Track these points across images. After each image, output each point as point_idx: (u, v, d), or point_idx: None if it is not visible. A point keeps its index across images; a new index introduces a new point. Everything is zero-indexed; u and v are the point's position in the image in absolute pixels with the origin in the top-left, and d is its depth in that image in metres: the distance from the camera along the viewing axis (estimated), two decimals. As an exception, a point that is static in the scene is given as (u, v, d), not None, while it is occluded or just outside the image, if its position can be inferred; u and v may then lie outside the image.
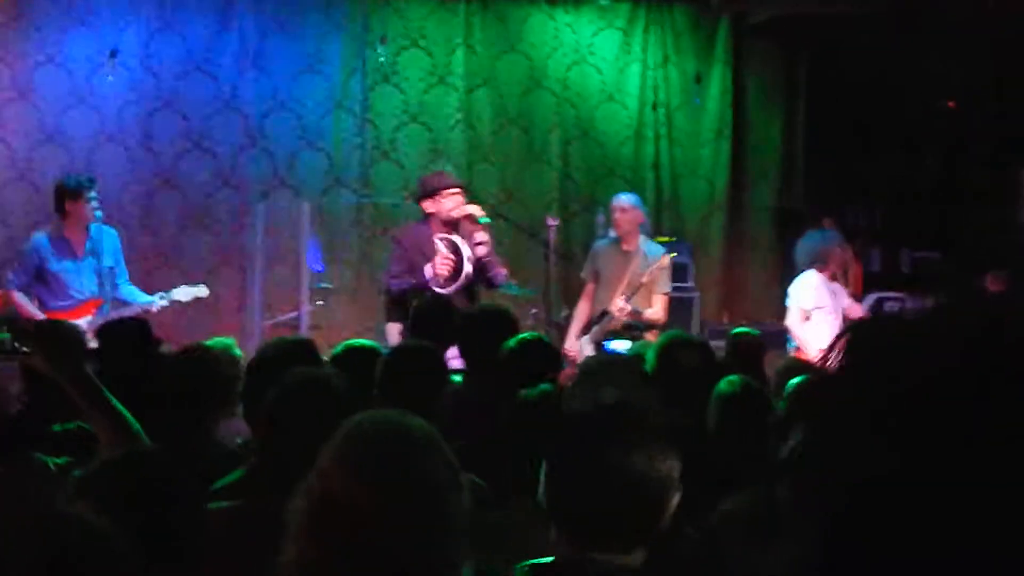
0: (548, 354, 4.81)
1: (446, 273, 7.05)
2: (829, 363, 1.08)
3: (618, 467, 2.30)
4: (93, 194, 7.59)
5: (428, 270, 7.04)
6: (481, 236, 7.16)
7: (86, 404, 3.17)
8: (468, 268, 7.10)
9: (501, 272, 7.37)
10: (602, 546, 2.31)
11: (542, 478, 2.47)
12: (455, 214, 7.22)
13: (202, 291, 7.75)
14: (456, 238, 7.17)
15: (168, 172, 9.34)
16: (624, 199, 8.24)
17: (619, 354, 6.50)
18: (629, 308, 7.81)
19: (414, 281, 7.06)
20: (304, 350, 4.21)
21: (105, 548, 1.92)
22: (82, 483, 2.63)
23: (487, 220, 7.33)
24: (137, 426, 3.14)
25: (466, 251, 7.11)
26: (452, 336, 5.40)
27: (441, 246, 7.12)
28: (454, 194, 7.27)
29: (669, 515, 2.35)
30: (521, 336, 4.89)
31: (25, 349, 3.19)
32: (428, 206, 7.30)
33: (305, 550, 2.03)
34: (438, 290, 6.99)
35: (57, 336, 3.18)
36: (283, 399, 3.10)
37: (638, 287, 7.86)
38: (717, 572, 3.03)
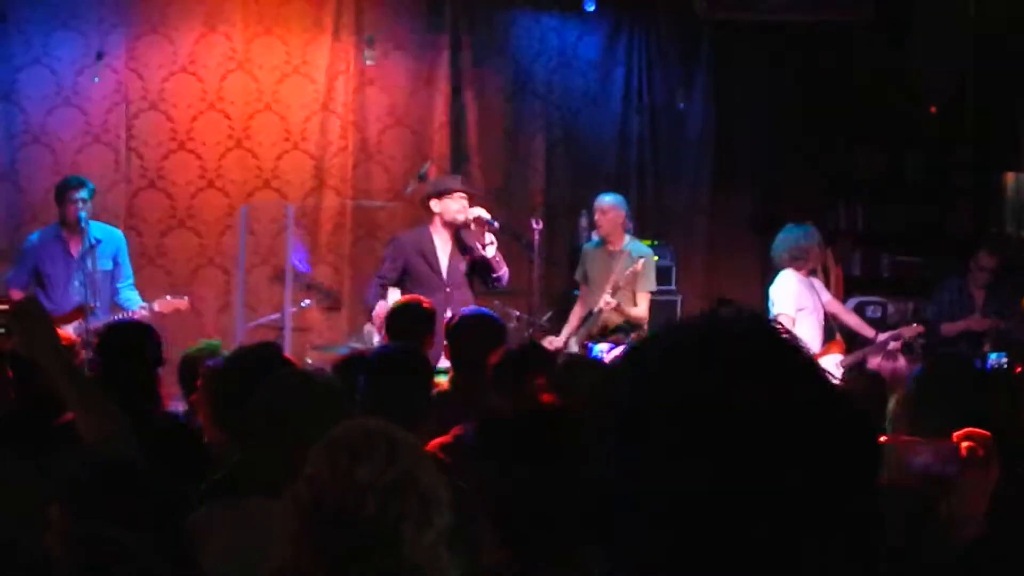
0: (540, 359, 4.83)
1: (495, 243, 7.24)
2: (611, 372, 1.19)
3: (561, 472, 2.28)
4: (79, 195, 7.60)
5: (479, 248, 7.32)
6: (490, 237, 7.35)
7: (63, 383, 3.18)
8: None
9: (507, 272, 7.56)
10: (545, 556, 2.28)
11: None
12: (460, 217, 7.38)
13: (183, 303, 7.77)
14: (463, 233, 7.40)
15: (153, 173, 9.34)
16: (605, 200, 8.33)
17: (598, 359, 6.56)
18: (615, 303, 7.89)
19: (382, 294, 7.22)
20: (273, 354, 4.21)
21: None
22: (59, 490, 2.66)
23: (494, 222, 7.49)
24: (114, 409, 3.15)
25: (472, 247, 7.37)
26: (427, 337, 5.48)
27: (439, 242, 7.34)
28: (460, 198, 7.45)
29: None
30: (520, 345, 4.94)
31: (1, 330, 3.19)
32: (435, 206, 7.49)
33: (296, 555, 2.06)
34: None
35: (27, 313, 3.18)
36: (266, 401, 3.13)
37: (622, 286, 7.94)
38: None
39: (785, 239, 8.11)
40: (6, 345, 3.24)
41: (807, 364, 1.12)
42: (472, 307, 6.55)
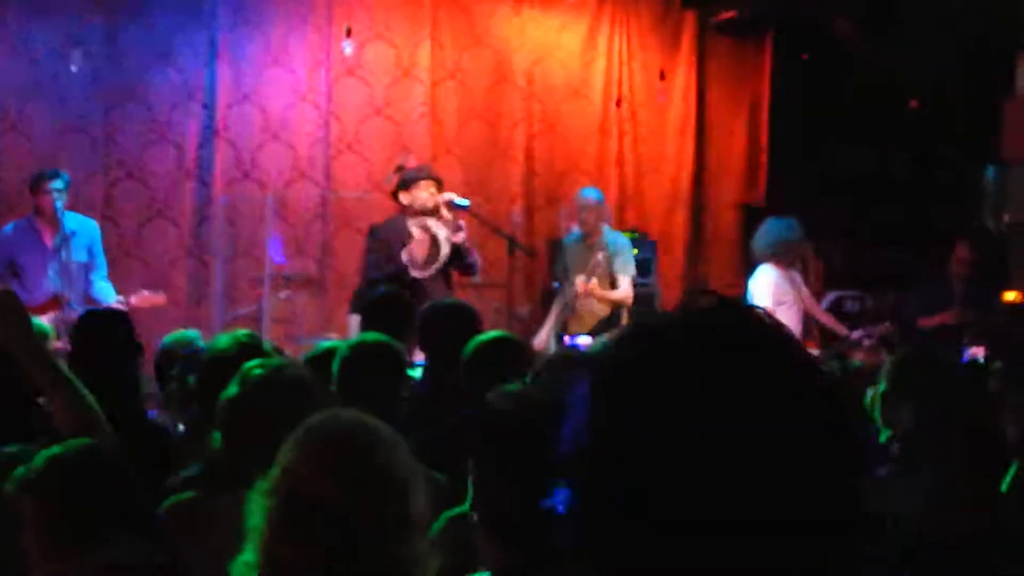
0: (518, 353, 4.79)
1: (424, 254, 7.14)
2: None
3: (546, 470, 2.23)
4: (53, 184, 7.54)
5: (405, 254, 7.13)
6: (461, 223, 7.31)
7: (41, 377, 3.15)
8: (445, 250, 7.22)
9: (478, 259, 7.52)
10: (546, 556, 2.24)
11: (470, 487, 2.44)
12: (429, 203, 7.34)
13: (159, 297, 7.74)
14: (431, 222, 7.29)
15: (131, 164, 9.29)
16: (590, 198, 8.26)
17: (580, 349, 6.54)
18: (590, 284, 7.85)
19: (373, 279, 7.15)
20: (253, 345, 4.19)
21: None
22: (26, 482, 2.64)
23: (466, 204, 7.45)
24: (92, 401, 3.13)
25: (441, 234, 7.24)
26: (407, 329, 5.42)
27: (415, 230, 7.23)
28: (429, 186, 7.41)
29: None
30: (492, 334, 4.88)
31: None
32: (403, 197, 7.47)
33: (273, 547, 2.04)
34: (416, 274, 7.09)
35: (3, 306, 3.15)
36: (243, 393, 3.11)
37: (595, 269, 7.92)
38: None
39: (767, 233, 8.10)
40: None
41: (798, 354, 1.11)
42: (448, 299, 6.49)
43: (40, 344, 3.24)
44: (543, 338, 8.13)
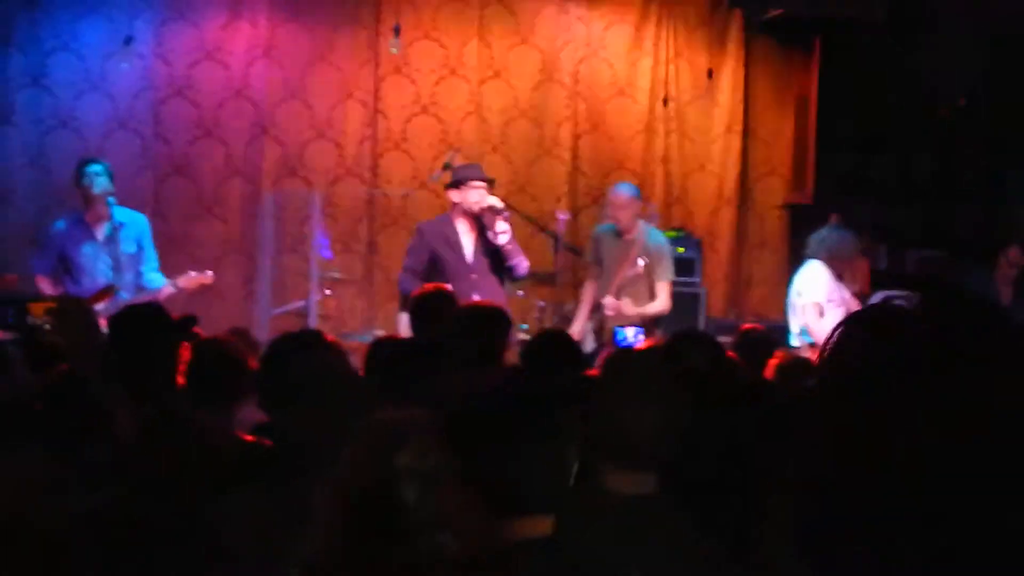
0: (569, 350, 4.77)
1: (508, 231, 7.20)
2: (823, 353, 1.15)
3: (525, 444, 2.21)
4: (90, 168, 7.59)
5: (491, 235, 7.21)
6: (502, 226, 7.30)
7: (100, 381, 3.19)
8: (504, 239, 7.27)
9: (523, 263, 7.48)
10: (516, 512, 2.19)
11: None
12: (476, 207, 7.35)
13: (207, 277, 7.76)
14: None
15: (179, 160, 9.38)
16: (621, 195, 8.13)
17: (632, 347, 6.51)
18: (619, 305, 7.80)
19: (418, 283, 7.15)
20: (316, 341, 4.22)
21: None
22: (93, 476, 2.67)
23: (506, 212, 7.45)
24: (156, 408, 3.17)
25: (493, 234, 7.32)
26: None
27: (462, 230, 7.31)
28: (478, 187, 7.42)
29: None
30: (547, 331, 4.88)
31: (47, 327, 3.21)
32: (453, 195, 7.50)
33: (336, 540, 2.06)
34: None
35: (70, 314, 3.19)
36: (300, 388, 3.14)
37: (633, 278, 7.87)
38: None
39: (827, 238, 8.03)
40: (54, 341, 3.25)
41: None
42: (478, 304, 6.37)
43: (102, 347, 3.27)
44: (577, 331, 8.08)
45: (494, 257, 7.44)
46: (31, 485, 2.86)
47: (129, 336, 4.71)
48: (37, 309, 5.00)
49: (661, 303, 7.96)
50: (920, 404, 1.04)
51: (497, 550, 1.99)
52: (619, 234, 8.08)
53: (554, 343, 4.69)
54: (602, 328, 7.87)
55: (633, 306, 7.85)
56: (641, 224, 8.11)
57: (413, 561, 2.06)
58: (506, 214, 7.42)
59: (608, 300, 7.83)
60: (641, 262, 7.74)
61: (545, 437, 2.10)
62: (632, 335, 6.88)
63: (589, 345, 7.77)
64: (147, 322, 4.83)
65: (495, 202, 7.43)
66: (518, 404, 2.12)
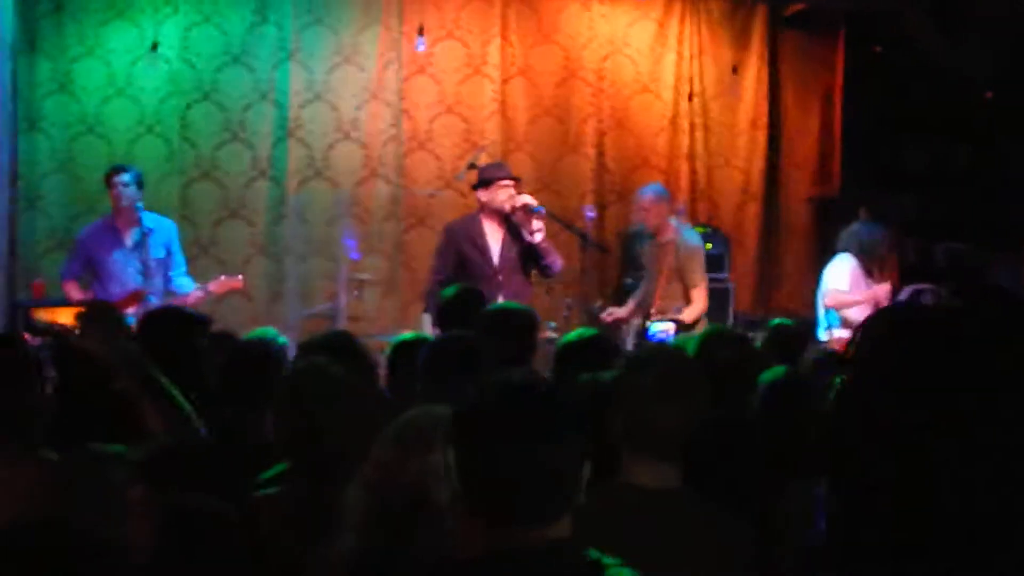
0: (602, 350, 4.75)
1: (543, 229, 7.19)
2: (848, 349, 1.15)
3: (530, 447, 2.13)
4: (119, 178, 7.65)
5: (526, 235, 7.29)
6: (537, 224, 7.31)
7: (136, 387, 3.20)
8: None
9: (557, 260, 7.47)
10: (527, 522, 2.13)
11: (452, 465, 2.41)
12: (507, 206, 7.36)
13: (237, 282, 7.82)
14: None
15: (206, 163, 9.41)
16: (646, 196, 8.08)
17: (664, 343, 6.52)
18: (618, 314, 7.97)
19: (443, 278, 7.17)
20: (346, 342, 4.24)
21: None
22: (139, 469, 2.67)
23: (541, 209, 7.44)
24: (188, 409, 3.18)
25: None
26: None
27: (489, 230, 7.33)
28: (507, 186, 7.42)
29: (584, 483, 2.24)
30: (579, 331, 4.88)
31: (75, 330, 3.23)
32: (481, 195, 7.51)
33: (366, 538, 2.06)
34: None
35: (107, 317, 3.21)
36: (324, 392, 3.13)
37: (672, 278, 7.88)
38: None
39: (858, 233, 8.02)
40: (83, 346, 3.26)
41: None
42: (506, 303, 6.35)
43: (138, 356, 3.28)
44: (627, 310, 8.14)
45: (521, 257, 7.44)
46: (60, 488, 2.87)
47: (154, 338, 4.74)
48: (64, 316, 5.02)
49: (697, 308, 7.90)
50: (946, 400, 1.04)
51: (500, 552, 1.98)
52: (655, 239, 8.07)
53: (589, 345, 4.68)
54: (645, 330, 7.86)
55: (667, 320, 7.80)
56: (674, 224, 8.05)
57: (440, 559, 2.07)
58: (542, 211, 7.43)
59: (611, 310, 8.04)
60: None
61: (552, 440, 2.08)
62: (664, 330, 6.88)
63: (630, 344, 7.77)
64: (171, 324, 4.87)
65: (529, 200, 7.43)
66: (527, 405, 2.11)
